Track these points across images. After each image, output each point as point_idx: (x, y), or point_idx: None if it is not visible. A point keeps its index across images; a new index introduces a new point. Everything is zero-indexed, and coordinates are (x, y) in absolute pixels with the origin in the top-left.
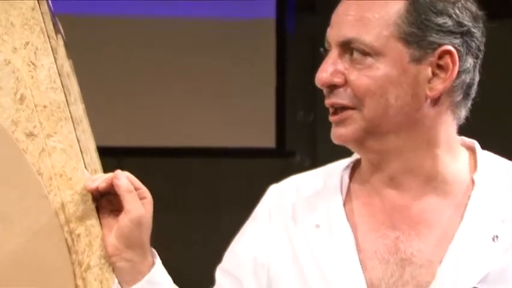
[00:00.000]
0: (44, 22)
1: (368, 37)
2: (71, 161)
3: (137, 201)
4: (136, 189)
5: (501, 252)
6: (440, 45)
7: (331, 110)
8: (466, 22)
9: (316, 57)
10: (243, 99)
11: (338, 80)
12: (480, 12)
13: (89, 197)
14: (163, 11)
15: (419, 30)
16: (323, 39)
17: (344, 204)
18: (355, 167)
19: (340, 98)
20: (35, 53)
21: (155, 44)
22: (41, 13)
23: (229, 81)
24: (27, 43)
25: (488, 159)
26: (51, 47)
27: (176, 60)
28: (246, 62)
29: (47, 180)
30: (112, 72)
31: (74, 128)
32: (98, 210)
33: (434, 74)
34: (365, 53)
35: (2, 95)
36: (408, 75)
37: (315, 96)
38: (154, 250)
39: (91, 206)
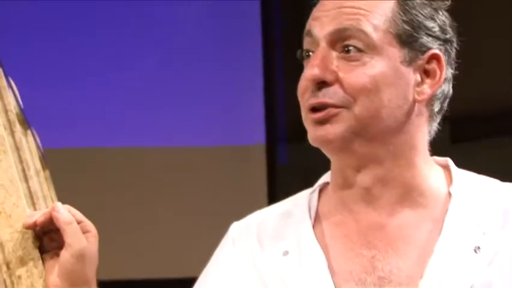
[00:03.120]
0: None
1: (367, 27)
2: (10, 197)
3: (79, 234)
4: (78, 222)
5: (485, 264)
6: (429, 48)
7: (311, 110)
8: (448, 30)
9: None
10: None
11: (329, 76)
12: (454, 23)
13: (31, 235)
14: (152, 142)
15: (412, 30)
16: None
17: (314, 228)
18: (322, 190)
19: (329, 97)
20: None
21: (146, 174)
22: None
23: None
24: None
25: (463, 174)
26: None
27: (165, 188)
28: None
29: None
30: (96, 203)
31: (25, 174)
32: (41, 249)
33: (421, 79)
34: (360, 50)
35: None
36: (401, 77)
37: None
38: None
39: (33, 244)
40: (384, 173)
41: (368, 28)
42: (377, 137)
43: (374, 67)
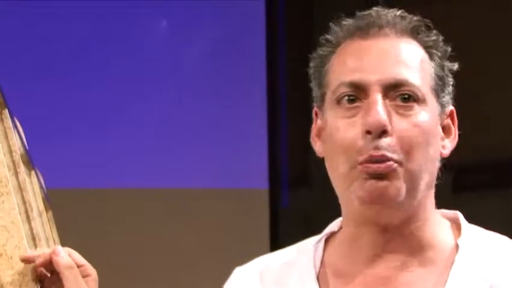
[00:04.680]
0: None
1: (417, 79)
2: (12, 238)
3: (79, 278)
4: (79, 265)
5: None
6: (448, 104)
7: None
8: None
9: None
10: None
11: (389, 127)
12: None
13: (31, 278)
14: (154, 184)
15: (444, 85)
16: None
17: (318, 278)
18: (328, 240)
19: (390, 150)
20: None
21: (148, 216)
22: None
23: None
24: None
25: (472, 228)
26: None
27: (168, 230)
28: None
29: None
30: (98, 244)
31: (28, 215)
32: None
33: (443, 134)
34: (412, 99)
35: None
36: (438, 131)
37: None
38: None
39: (33, 287)
40: (403, 229)
41: (418, 81)
42: (419, 194)
43: (424, 117)
